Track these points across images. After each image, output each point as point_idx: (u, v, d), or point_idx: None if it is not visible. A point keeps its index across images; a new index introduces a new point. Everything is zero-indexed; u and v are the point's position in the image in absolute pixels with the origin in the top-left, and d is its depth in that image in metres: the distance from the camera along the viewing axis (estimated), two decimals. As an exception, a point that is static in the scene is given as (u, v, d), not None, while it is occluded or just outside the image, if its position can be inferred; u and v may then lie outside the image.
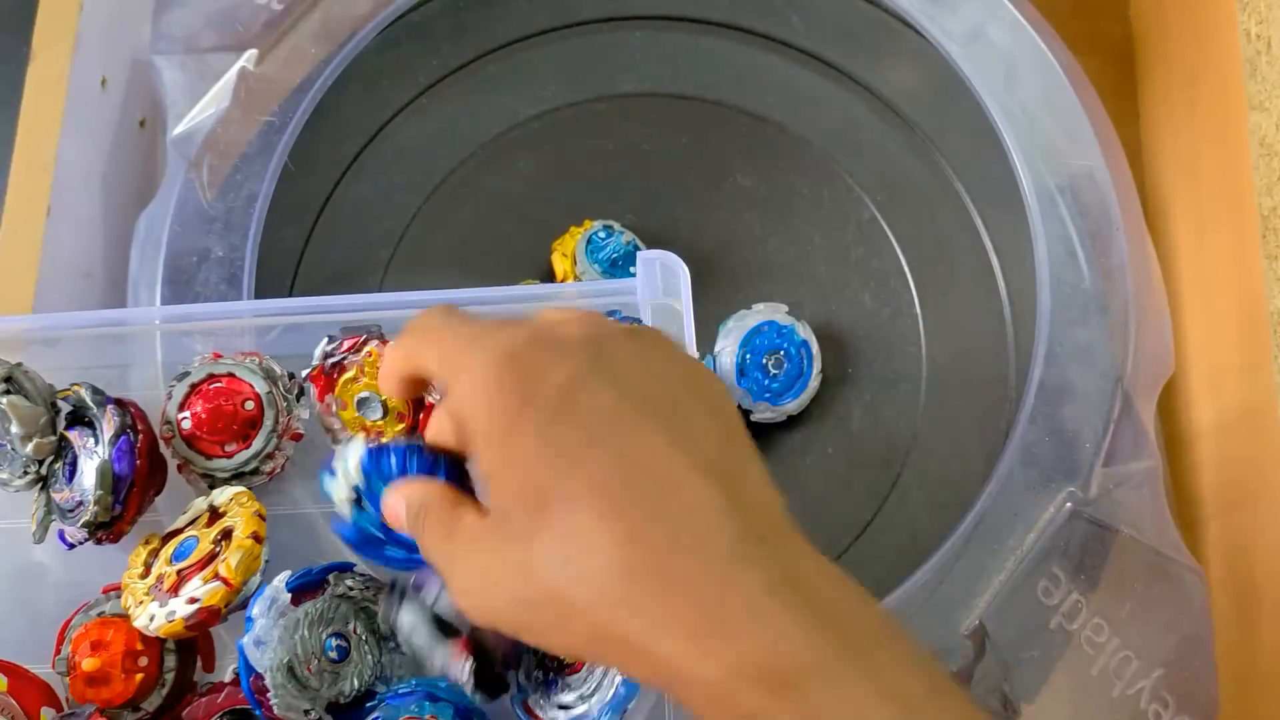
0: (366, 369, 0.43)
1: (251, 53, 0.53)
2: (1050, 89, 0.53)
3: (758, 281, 0.55)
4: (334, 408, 0.43)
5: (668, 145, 0.57)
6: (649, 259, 0.43)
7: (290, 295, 0.55)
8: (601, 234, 0.53)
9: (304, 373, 0.43)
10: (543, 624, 0.28)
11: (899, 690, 0.26)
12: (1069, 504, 0.47)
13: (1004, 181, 0.52)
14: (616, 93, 0.59)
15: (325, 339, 0.43)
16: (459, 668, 0.36)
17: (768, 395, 0.51)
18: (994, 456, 0.49)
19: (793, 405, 0.52)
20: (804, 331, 0.52)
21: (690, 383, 0.30)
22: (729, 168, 0.57)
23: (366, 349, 0.43)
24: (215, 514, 0.41)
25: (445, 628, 0.36)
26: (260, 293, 0.50)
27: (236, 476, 0.43)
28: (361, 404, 0.43)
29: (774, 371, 0.51)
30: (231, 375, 0.43)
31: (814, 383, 0.52)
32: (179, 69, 0.53)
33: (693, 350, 0.41)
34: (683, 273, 0.42)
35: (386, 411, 0.43)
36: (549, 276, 0.54)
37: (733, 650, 0.26)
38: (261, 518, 0.40)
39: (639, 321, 0.42)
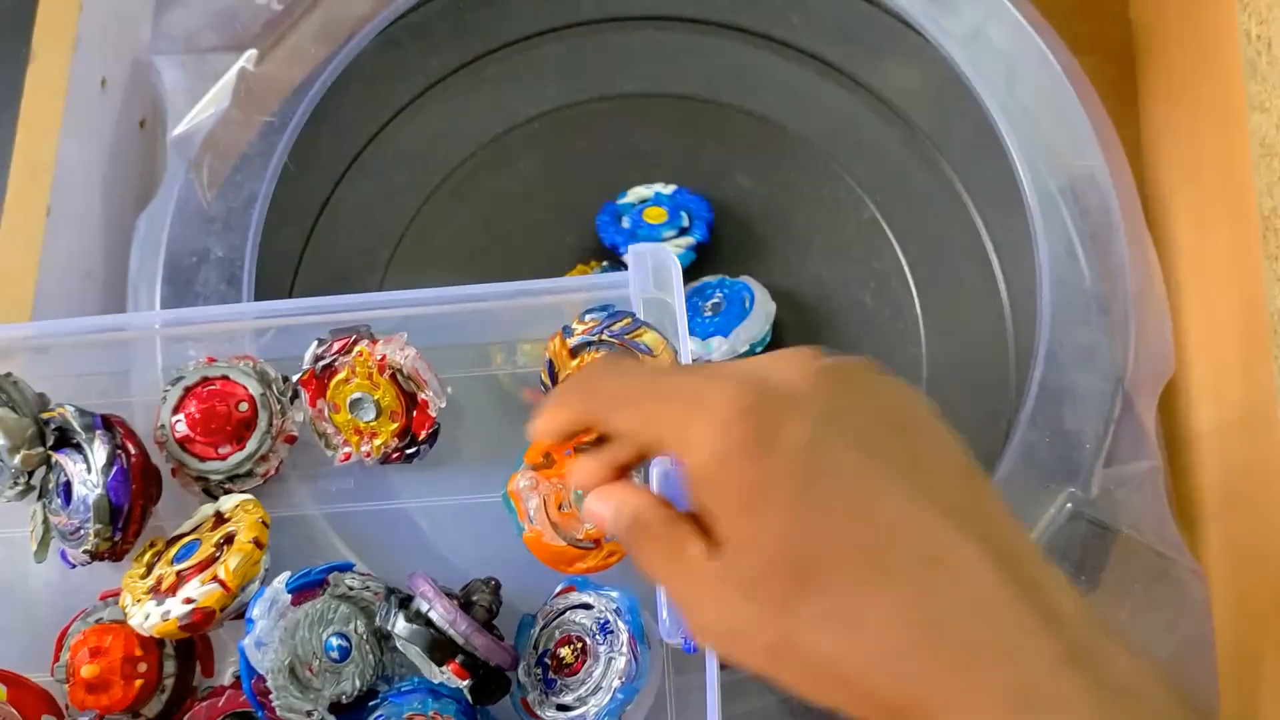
0: (358, 369, 0.43)
1: (251, 53, 0.53)
2: (1050, 89, 0.53)
3: (759, 280, 0.55)
4: (326, 411, 0.43)
5: (668, 145, 0.58)
6: (640, 252, 0.43)
7: (290, 296, 0.55)
8: (608, 271, 0.53)
9: (295, 377, 0.43)
10: (809, 684, 0.27)
11: None
12: (1069, 504, 0.47)
13: (1004, 182, 0.52)
14: (617, 93, 0.59)
15: (315, 342, 0.43)
16: (457, 684, 0.36)
17: (714, 330, 0.52)
18: (994, 457, 0.49)
19: (745, 331, 0.52)
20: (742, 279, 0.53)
21: (911, 415, 0.29)
22: (729, 168, 0.57)
23: (356, 349, 0.43)
24: (220, 519, 0.41)
25: (439, 643, 0.37)
26: (260, 293, 0.50)
27: (231, 479, 0.43)
28: (354, 405, 0.43)
29: (710, 314, 0.52)
30: (225, 378, 0.43)
31: (763, 310, 0.52)
32: (179, 69, 0.53)
33: (684, 341, 0.41)
34: (674, 266, 0.42)
35: (379, 411, 0.43)
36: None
37: (1008, 702, 0.25)
38: (265, 524, 0.40)
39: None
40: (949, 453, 0.29)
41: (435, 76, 0.58)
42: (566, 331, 0.42)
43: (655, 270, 0.43)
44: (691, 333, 0.53)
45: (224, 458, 0.43)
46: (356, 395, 0.43)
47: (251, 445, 0.43)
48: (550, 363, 0.43)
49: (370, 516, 0.45)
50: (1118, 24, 0.64)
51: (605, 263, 0.54)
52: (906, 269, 0.55)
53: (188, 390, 0.43)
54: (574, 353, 0.42)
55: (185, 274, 0.50)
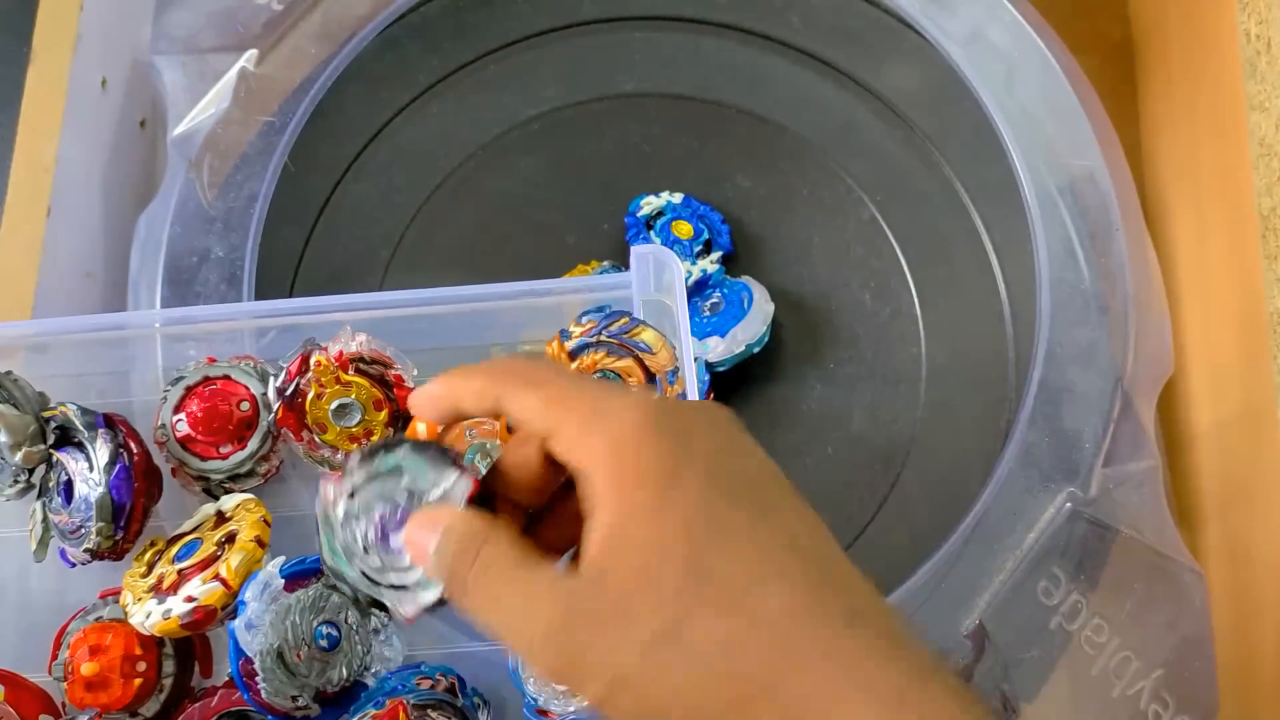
0: (324, 380, 0.42)
1: (252, 53, 0.53)
2: (1050, 89, 0.53)
3: (758, 281, 0.55)
4: (315, 438, 0.43)
5: (668, 145, 0.58)
6: (642, 254, 0.43)
7: (290, 295, 0.55)
8: (611, 272, 0.53)
9: (271, 418, 0.43)
10: (696, 689, 0.27)
11: None
12: (1069, 504, 0.47)
13: (1004, 182, 0.52)
14: (616, 93, 0.59)
15: (270, 378, 0.43)
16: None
17: (711, 330, 0.52)
18: (994, 456, 0.49)
19: (742, 331, 0.52)
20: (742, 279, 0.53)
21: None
22: (729, 168, 0.57)
23: (312, 362, 0.42)
24: (222, 518, 0.41)
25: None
26: (260, 293, 0.50)
27: (232, 478, 0.43)
28: (338, 415, 0.42)
29: (709, 314, 0.52)
30: (227, 378, 0.43)
31: (761, 310, 0.52)
32: (179, 69, 0.53)
33: (685, 340, 0.41)
34: (675, 267, 0.42)
35: (364, 409, 0.43)
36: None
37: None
38: (267, 523, 0.40)
39: (640, 320, 0.42)
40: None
41: (435, 77, 0.58)
42: (564, 335, 0.42)
43: (657, 271, 0.43)
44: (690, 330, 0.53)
45: (225, 457, 0.43)
46: (335, 404, 0.42)
47: (253, 445, 0.43)
48: None
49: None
50: (1117, 24, 0.64)
51: (606, 262, 0.54)
52: (906, 269, 0.55)
53: (189, 390, 0.43)
54: (573, 355, 0.42)
55: (185, 274, 0.50)
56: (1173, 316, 0.51)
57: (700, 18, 0.59)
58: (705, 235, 0.54)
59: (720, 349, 0.52)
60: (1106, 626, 0.46)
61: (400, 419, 0.43)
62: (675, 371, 0.42)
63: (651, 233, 0.53)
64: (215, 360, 0.44)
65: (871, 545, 0.52)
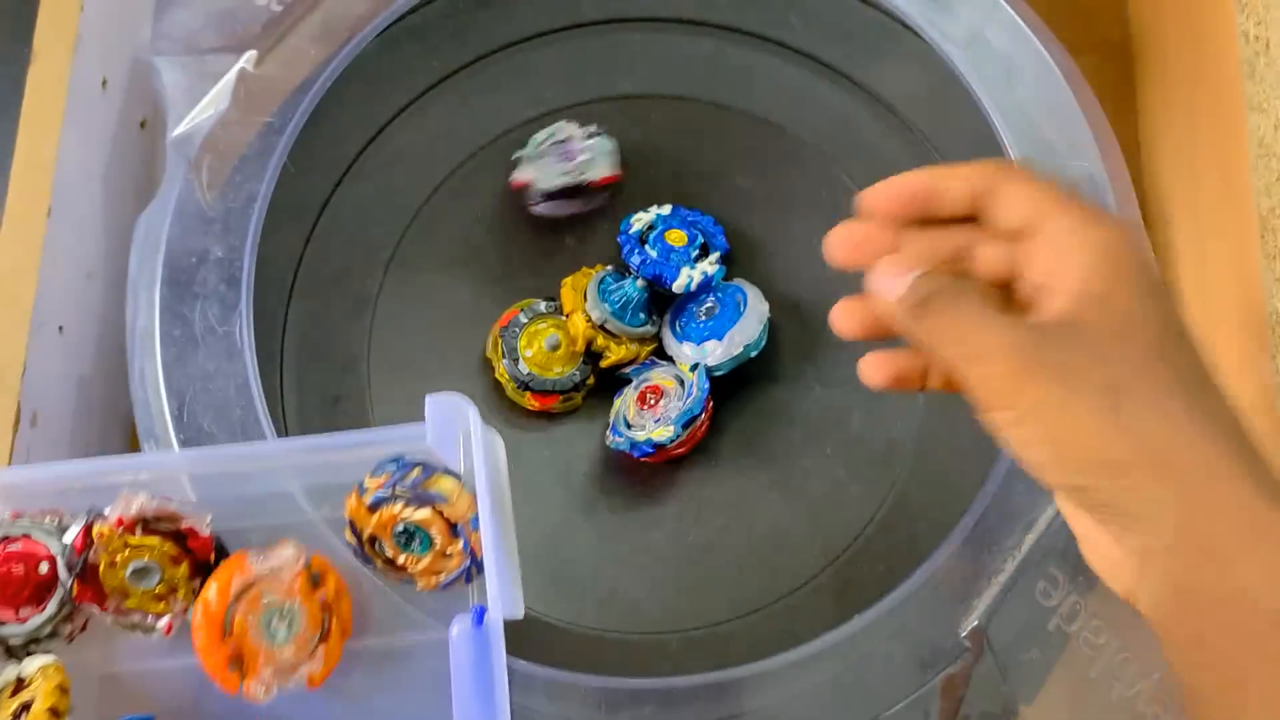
0: (111, 547, 0.41)
1: (251, 54, 0.53)
2: (1049, 91, 0.53)
3: (757, 284, 0.55)
4: (120, 603, 0.42)
5: (667, 146, 0.58)
6: (435, 401, 0.42)
7: (290, 296, 0.55)
8: (612, 278, 0.53)
9: (67, 592, 0.42)
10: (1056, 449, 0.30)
11: None
12: (1068, 505, 0.47)
13: (1003, 183, 0.52)
14: (616, 94, 0.59)
15: (59, 549, 0.42)
16: None
17: (709, 334, 0.52)
18: (993, 457, 0.49)
19: (739, 333, 0.52)
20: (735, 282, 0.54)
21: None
22: (728, 169, 0.57)
23: (95, 534, 0.41)
24: (21, 684, 0.40)
25: None
26: (260, 293, 0.50)
27: (34, 641, 0.42)
28: (137, 578, 0.42)
29: (704, 318, 0.52)
30: (27, 536, 0.42)
31: (756, 311, 0.52)
32: (179, 70, 0.53)
33: (484, 487, 0.41)
34: (470, 410, 0.42)
35: (161, 568, 0.41)
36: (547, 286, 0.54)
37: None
38: (64, 691, 0.39)
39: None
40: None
41: (435, 77, 0.58)
42: (361, 488, 0.42)
43: (449, 420, 0.43)
44: (687, 336, 0.53)
45: (24, 620, 0.41)
46: (131, 568, 0.41)
47: (51, 608, 0.41)
48: (351, 522, 0.43)
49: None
50: (1116, 25, 0.64)
51: (610, 267, 0.54)
52: (905, 270, 0.55)
53: None
54: (371, 509, 0.42)
55: (185, 274, 0.50)
56: (1172, 317, 0.51)
57: (700, 19, 0.59)
58: (700, 239, 0.54)
59: (719, 352, 0.52)
60: (1105, 628, 0.46)
61: (200, 566, 0.42)
62: (476, 518, 0.41)
63: (646, 246, 0.53)
64: (20, 515, 0.42)
65: (870, 546, 0.52)
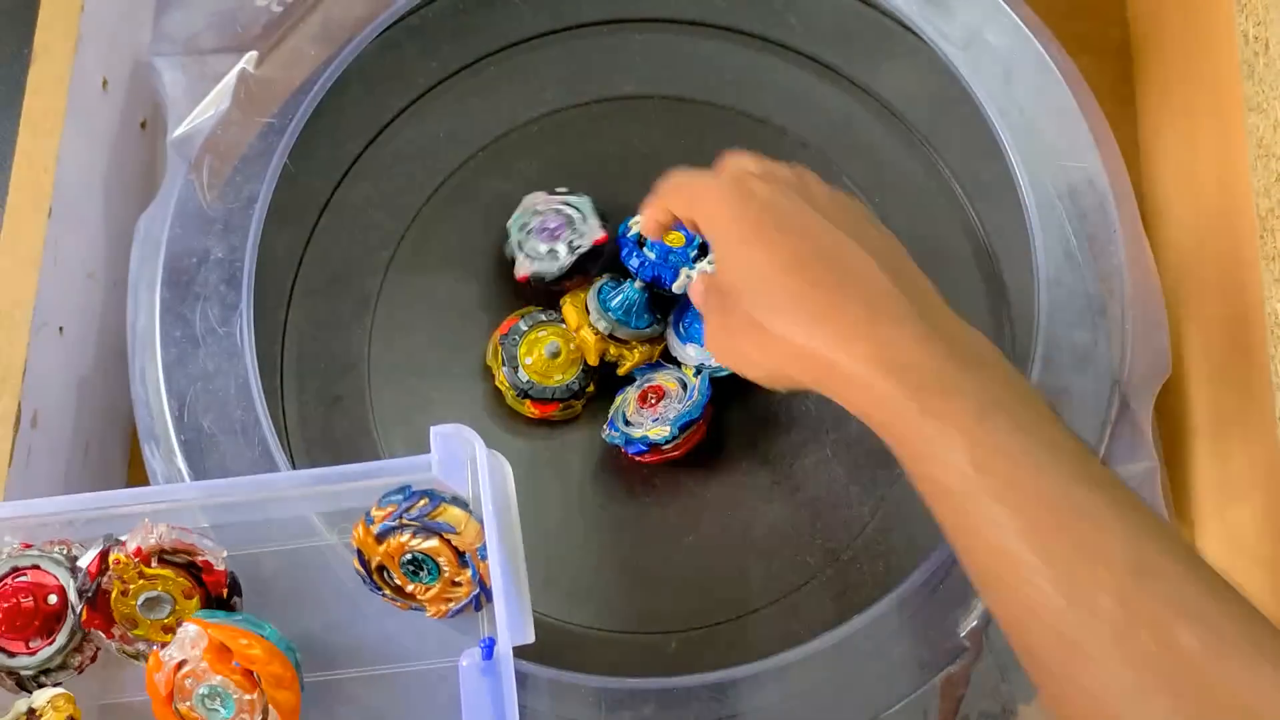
0: (125, 576, 0.41)
1: (252, 54, 0.53)
2: (1048, 91, 0.53)
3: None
4: (127, 631, 0.42)
5: (667, 148, 0.58)
6: (439, 434, 0.43)
7: (290, 296, 0.55)
8: (609, 285, 0.53)
9: (77, 619, 0.42)
10: (748, 349, 0.41)
11: (989, 396, 0.36)
12: (1067, 505, 0.47)
13: (1002, 183, 0.52)
14: (616, 95, 0.59)
15: (68, 579, 0.42)
16: None
17: None
18: (992, 457, 0.49)
19: None
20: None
21: (867, 221, 0.42)
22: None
23: (111, 561, 0.41)
24: (33, 716, 0.41)
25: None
26: (260, 294, 0.50)
27: (44, 672, 0.42)
28: (148, 609, 0.42)
29: None
30: (36, 567, 0.42)
31: None
32: (179, 70, 0.53)
33: (490, 514, 0.42)
34: (476, 442, 0.42)
35: (174, 599, 0.42)
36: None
37: (873, 352, 0.37)
38: None
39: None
40: (884, 235, 0.42)
41: (435, 78, 0.58)
42: (368, 519, 0.42)
43: (454, 450, 0.43)
44: (691, 338, 0.53)
45: (34, 652, 0.42)
46: (142, 598, 0.42)
47: (61, 639, 0.42)
48: (359, 551, 0.43)
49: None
50: (1115, 25, 0.64)
51: (606, 276, 0.54)
52: (905, 270, 0.56)
53: None
54: (379, 539, 0.42)
55: (185, 275, 0.50)
56: (1170, 318, 0.51)
57: (699, 20, 0.59)
58: (698, 240, 0.54)
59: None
60: (1105, 627, 0.46)
61: (212, 600, 0.43)
62: (485, 547, 0.42)
63: (644, 249, 0.53)
64: (31, 546, 0.43)
65: (870, 546, 0.52)
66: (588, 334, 0.52)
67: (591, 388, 0.53)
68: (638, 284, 0.52)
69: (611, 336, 0.52)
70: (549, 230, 0.53)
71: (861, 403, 0.38)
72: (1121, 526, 0.34)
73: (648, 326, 0.53)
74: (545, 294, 0.54)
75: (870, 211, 0.43)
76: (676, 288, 0.52)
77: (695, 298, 0.46)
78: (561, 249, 0.52)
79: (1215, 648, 0.32)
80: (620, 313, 0.52)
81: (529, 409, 0.53)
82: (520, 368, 0.52)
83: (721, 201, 0.41)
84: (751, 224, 0.40)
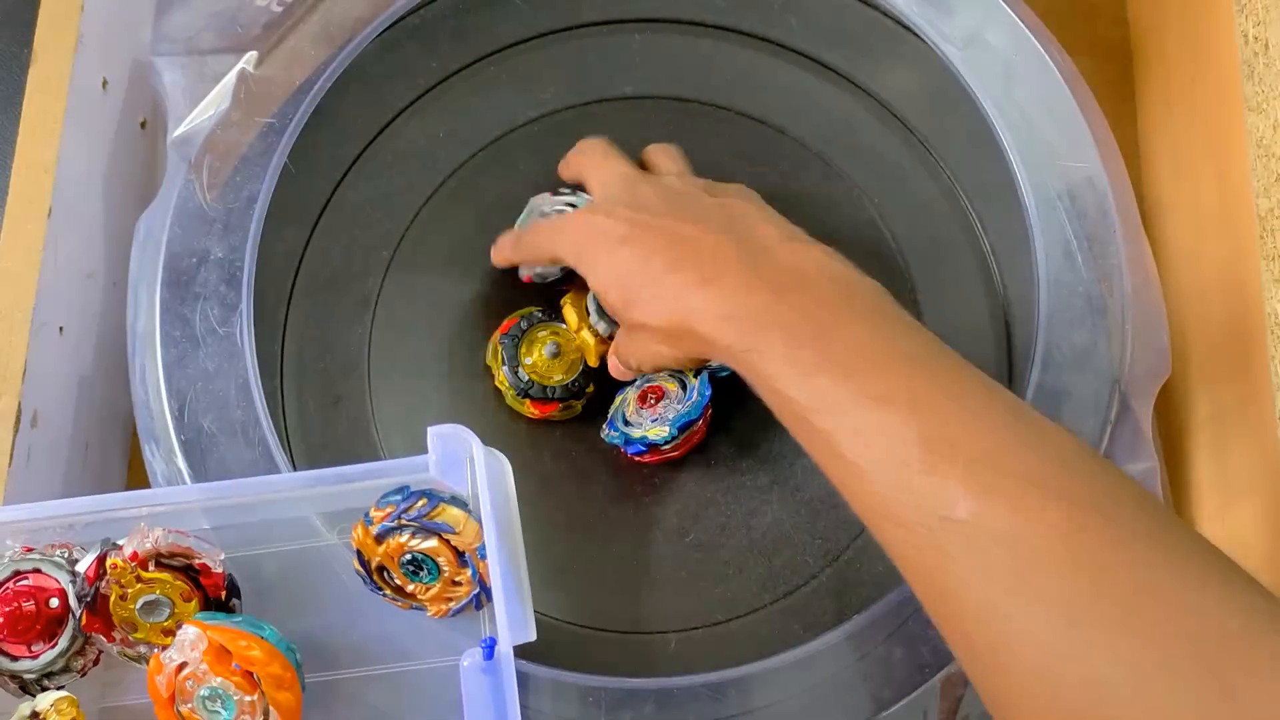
0: (123, 580, 0.41)
1: (252, 54, 0.53)
2: (1048, 92, 0.53)
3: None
4: (127, 635, 0.42)
5: (667, 147, 0.58)
6: (437, 434, 0.43)
7: (291, 296, 0.55)
8: None
9: (79, 624, 0.42)
10: (641, 347, 0.47)
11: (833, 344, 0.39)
12: (1067, 505, 0.47)
13: (1002, 184, 0.52)
14: (616, 95, 0.59)
15: (69, 583, 0.42)
16: None
17: None
18: (992, 457, 0.49)
19: None
20: None
21: (698, 197, 0.47)
22: (728, 171, 0.57)
23: (108, 565, 0.42)
24: (36, 719, 0.41)
25: None
26: (260, 294, 0.50)
27: (47, 676, 0.42)
28: (146, 612, 0.42)
29: None
30: (38, 570, 0.42)
31: None
32: (179, 71, 0.53)
33: (489, 515, 0.42)
34: (473, 441, 0.42)
35: (172, 602, 0.42)
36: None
37: (710, 310, 0.42)
38: None
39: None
40: (713, 202, 0.46)
41: (435, 78, 0.58)
42: (367, 519, 0.42)
43: (453, 450, 0.43)
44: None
45: (36, 656, 0.42)
46: (141, 602, 0.42)
47: (63, 643, 0.42)
48: (358, 552, 0.43)
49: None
50: (1115, 26, 0.64)
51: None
52: (904, 271, 0.56)
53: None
54: (378, 540, 0.42)
55: (185, 275, 0.50)
56: (1170, 318, 0.51)
57: (699, 20, 0.59)
58: None
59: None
60: (1104, 627, 0.46)
61: (210, 603, 0.43)
62: (484, 546, 0.42)
63: None
64: (32, 550, 0.43)
65: (871, 545, 0.52)
66: (588, 336, 0.52)
67: (591, 388, 0.53)
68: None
69: (611, 338, 0.52)
70: None
71: (720, 357, 0.43)
72: (937, 398, 0.37)
73: None
74: (546, 294, 0.54)
75: (704, 181, 0.49)
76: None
77: (616, 371, 0.51)
78: None
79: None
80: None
81: (529, 409, 0.53)
82: (520, 368, 0.52)
83: (570, 239, 0.48)
84: (600, 246, 0.46)
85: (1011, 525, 0.34)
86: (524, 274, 0.54)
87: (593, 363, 0.52)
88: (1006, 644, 0.33)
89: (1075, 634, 0.32)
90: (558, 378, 0.52)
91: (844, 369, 0.38)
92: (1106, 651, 0.32)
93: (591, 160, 0.51)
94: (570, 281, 0.53)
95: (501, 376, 0.53)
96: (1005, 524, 0.34)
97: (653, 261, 0.44)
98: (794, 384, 0.39)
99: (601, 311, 0.52)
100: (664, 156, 0.52)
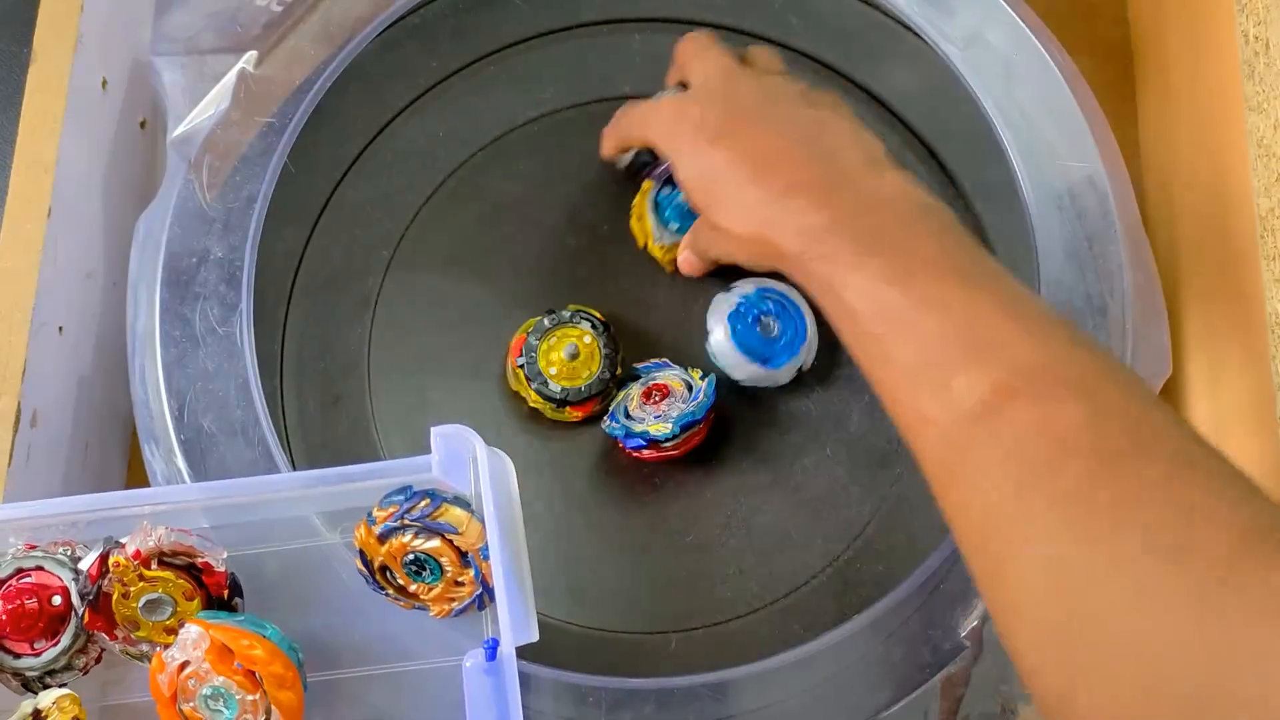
0: (126, 579, 0.42)
1: (251, 54, 0.53)
2: (1049, 92, 0.53)
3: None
4: (129, 633, 0.42)
5: (667, 147, 0.58)
6: (440, 434, 0.42)
7: (290, 296, 0.55)
8: (665, 198, 0.54)
9: (79, 620, 0.42)
10: (718, 247, 0.49)
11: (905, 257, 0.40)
12: (1067, 505, 0.47)
13: (1002, 184, 0.52)
14: (616, 95, 0.58)
15: (71, 580, 0.42)
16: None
17: (768, 359, 0.52)
18: (992, 457, 0.49)
19: (804, 354, 0.52)
20: (786, 290, 0.52)
21: (795, 103, 0.47)
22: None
23: (110, 564, 0.41)
24: (39, 717, 0.41)
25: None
26: (260, 294, 0.50)
27: (49, 673, 0.42)
28: (149, 610, 0.42)
29: (773, 332, 0.52)
30: (40, 568, 0.42)
31: (813, 331, 0.52)
32: (179, 70, 0.53)
33: (490, 515, 0.42)
34: (476, 441, 0.42)
35: (175, 600, 0.42)
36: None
37: (785, 222, 0.43)
38: None
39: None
40: (819, 122, 0.46)
41: (435, 78, 0.58)
42: (370, 519, 0.42)
43: (455, 450, 0.43)
44: (747, 356, 0.52)
45: (39, 653, 0.42)
46: (143, 600, 0.42)
47: (65, 641, 0.42)
48: (361, 552, 0.43)
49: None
50: (1116, 25, 0.64)
51: (659, 181, 0.54)
52: (905, 270, 0.56)
53: (1, 583, 0.42)
54: (381, 539, 0.42)
55: (185, 274, 0.50)
56: (1170, 318, 0.51)
57: (699, 20, 0.59)
58: None
59: (781, 374, 0.52)
60: (1105, 627, 0.46)
61: (213, 602, 0.43)
62: (487, 547, 0.42)
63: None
64: (35, 547, 0.43)
65: (870, 546, 0.52)
66: (655, 249, 0.54)
67: (620, 370, 0.53)
68: (683, 195, 0.52)
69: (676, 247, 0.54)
70: None
71: (790, 269, 0.44)
72: (985, 309, 0.38)
73: None
74: (547, 296, 0.54)
75: (803, 85, 0.48)
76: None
77: (688, 268, 0.53)
78: None
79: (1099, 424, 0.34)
80: (676, 221, 0.54)
81: (571, 414, 0.52)
82: (549, 380, 0.52)
83: (663, 125, 0.48)
84: (691, 141, 0.46)
85: (1032, 420, 0.35)
86: (621, 162, 0.55)
87: (669, 269, 0.54)
88: (1010, 543, 0.34)
89: (1076, 530, 0.33)
90: (585, 374, 0.52)
91: (906, 277, 0.39)
92: (1106, 547, 0.32)
93: (694, 49, 0.51)
94: (650, 171, 0.54)
95: (534, 396, 0.52)
96: (1027, 419, 0.35)
97: (739, 169, 0.45)
98: (856, 290, 0.40)
99: (664, 225, 0.54)
100: (765, 55, 0.52)
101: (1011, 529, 0.34)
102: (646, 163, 0.54)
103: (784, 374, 0.52)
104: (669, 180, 0.54)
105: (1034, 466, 0.34)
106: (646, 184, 0.55)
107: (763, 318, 0.52)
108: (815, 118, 0.46)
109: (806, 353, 0.52)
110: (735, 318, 0.51)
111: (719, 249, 0.49)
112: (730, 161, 0.45)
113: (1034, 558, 0.34)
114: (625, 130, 0.52)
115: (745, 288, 0.52)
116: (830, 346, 0.54)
